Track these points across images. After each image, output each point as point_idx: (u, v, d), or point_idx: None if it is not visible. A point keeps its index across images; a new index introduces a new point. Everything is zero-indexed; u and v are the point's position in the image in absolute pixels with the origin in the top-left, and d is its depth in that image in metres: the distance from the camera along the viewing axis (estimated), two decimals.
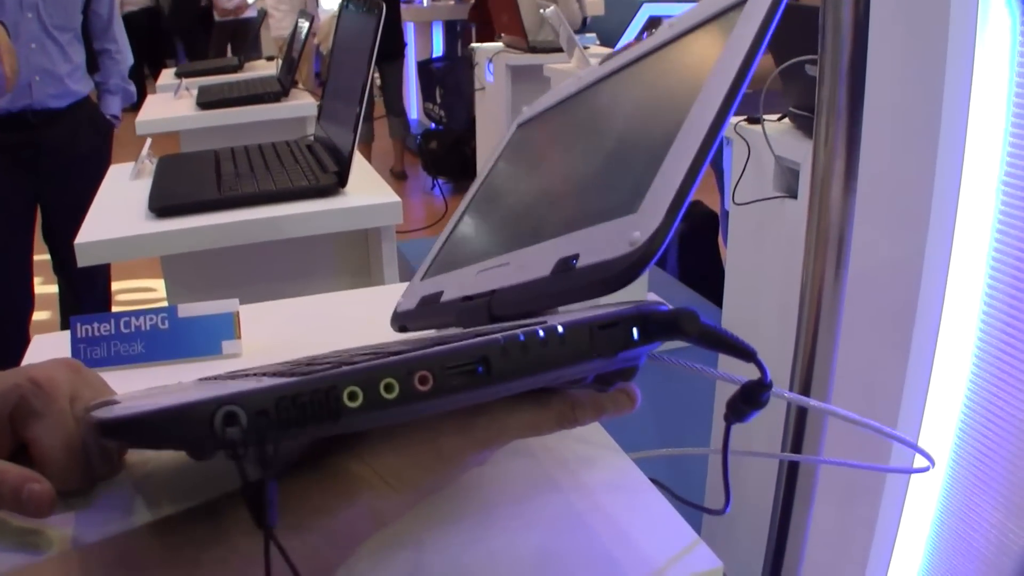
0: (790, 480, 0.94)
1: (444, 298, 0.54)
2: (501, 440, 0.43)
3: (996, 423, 0.98)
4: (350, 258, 1.48)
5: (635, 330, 0.33)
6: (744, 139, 1.62)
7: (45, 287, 2.28)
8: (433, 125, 6.13)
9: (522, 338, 0.32)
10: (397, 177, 5.53)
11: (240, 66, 3.03)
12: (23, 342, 2.05)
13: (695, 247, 3.45)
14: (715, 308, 1.87)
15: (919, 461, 0.56)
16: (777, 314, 1.53)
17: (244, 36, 6.21)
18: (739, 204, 1.64)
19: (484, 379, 0.31)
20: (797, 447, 0.92)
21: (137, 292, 3.31)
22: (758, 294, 1.65)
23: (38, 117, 2.01)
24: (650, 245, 0.33)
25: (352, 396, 0.30)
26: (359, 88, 1.24)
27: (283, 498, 0.39)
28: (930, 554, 1.12)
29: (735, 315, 1.81)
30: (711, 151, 0.34)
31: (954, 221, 0.98)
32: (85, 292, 2.33)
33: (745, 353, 0.36)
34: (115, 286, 3.24)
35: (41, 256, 2.07)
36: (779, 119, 1.60)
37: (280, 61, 2.70)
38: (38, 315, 2.22)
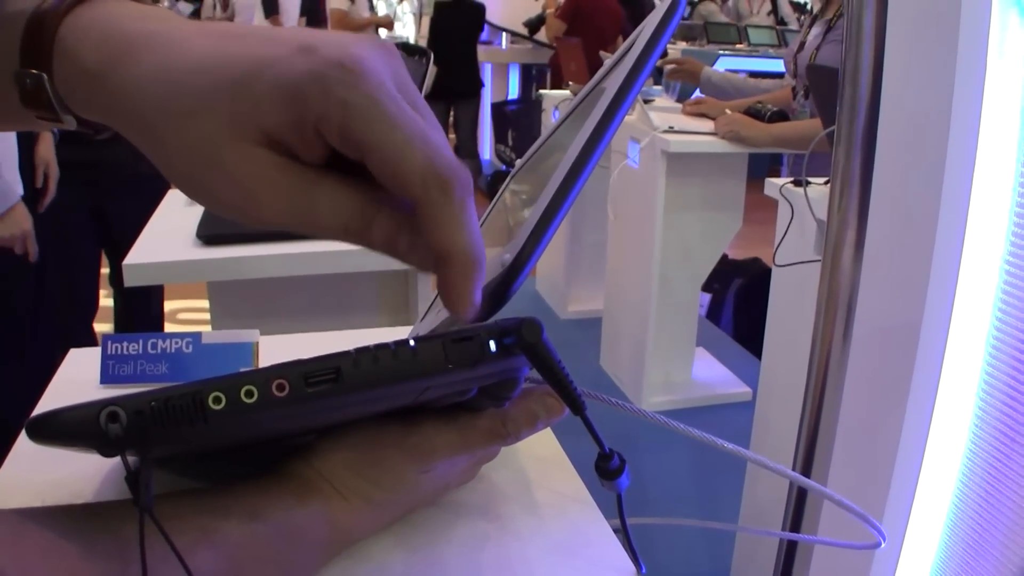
0: (789, 553, 0.94)
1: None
2: (435, 456, 0.46)
3: (992, 502, 0.96)
4: (392, 295, 1.52)
5: (492, 343, 0.36)
6: (788, 201, 1.61)
7: (104, 300, 2.37)
8: (504, 167, 6.19)
9: (373, 350, 0.36)
10: None
11: None
12: (92, 345, 2.10)
13: (750, 304, 3.42)
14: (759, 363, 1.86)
15: (900, 534, 0.56)
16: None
17: None
18: (779, 266, 1.64)
19: (337, 387, 0.35)
20: (797, 523, 0.92)
21: (196, 312, 3.41)
22: (795, 357, 1.64)
23: (100, 137, 2.09)
24: (515, 264, 0.36)
25: (216, 400, 0.34)
26: None
27: (245, 490, 0.43)
28: None
29: (771, 377, 1.80)
30: (580, 176, 0.37)
31: (953, 294, 0.98)
32: (138, 309, 2.41)
33: (573, 402, 0.39)
34: (176, 304, 3.34)
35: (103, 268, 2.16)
36: (826, 182, 1.59)
37: None
38: (96, 327, 2.31)
